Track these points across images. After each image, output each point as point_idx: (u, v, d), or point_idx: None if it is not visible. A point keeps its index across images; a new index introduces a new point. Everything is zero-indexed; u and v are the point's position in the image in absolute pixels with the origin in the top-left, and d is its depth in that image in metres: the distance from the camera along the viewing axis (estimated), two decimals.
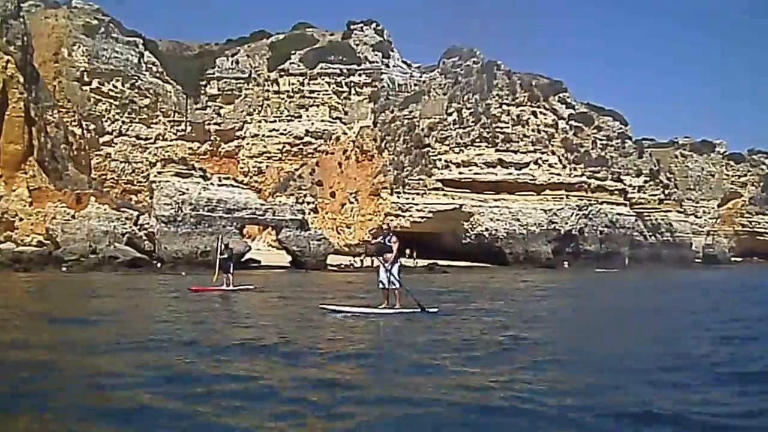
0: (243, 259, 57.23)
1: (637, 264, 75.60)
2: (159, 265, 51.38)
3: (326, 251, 59.15)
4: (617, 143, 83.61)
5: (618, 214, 72.68)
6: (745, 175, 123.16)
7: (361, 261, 60.74)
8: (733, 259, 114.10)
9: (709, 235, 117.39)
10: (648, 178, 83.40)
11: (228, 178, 61.90)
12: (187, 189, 56.91)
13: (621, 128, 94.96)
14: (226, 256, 28.53)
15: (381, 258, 17.26)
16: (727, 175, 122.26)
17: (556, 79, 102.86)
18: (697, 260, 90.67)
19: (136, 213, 58.32)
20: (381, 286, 17.24)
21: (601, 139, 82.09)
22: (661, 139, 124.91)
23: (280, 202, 71.43)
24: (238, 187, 60.91)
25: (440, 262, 66.13)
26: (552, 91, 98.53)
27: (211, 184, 59.17)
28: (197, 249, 54.32)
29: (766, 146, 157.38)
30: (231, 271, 26.90)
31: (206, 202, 56.59)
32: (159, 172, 60.61)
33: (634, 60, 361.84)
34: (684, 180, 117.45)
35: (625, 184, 78.50)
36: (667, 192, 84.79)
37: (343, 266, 59.74)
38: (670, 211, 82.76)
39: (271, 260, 58.15)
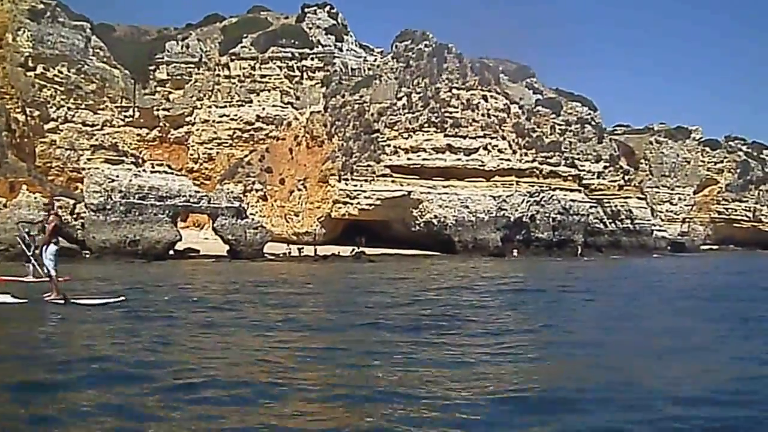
0: (179, 249, 55.99)
1: (596, 252, 74.00)
2: (87, 255, 50.05)
3: (263, 240, 57.39)
4: (576, 128, 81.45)
5: (572, 200, 70.64)
6: (722, 162, 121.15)
7: (299, 249, 59.21)
8: (708, 247, 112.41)
9: (685, 222, 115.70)
10: (608, 164, 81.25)
11: (162, 164, 59.56)
12: (117, 176, 54.93)
13: (589, 113, 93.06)
14: (27, 244, 25.89)
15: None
16: (703, 161, 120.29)
17: (524, 64, 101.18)
18: (666, 248, 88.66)
19: (72, 201, 56.57)
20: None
21: (560, 125, 79.95)
22: (637, 125, 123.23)
23: (227, 189, 69.62)
24: (172, 173, 58.77)
25: (389, 251, 64.60)
26: (520, 76, 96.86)
27: (143, 171, 57.12)
28: (126, 238, 52.54)
29: (742, 132, 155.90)
30: (34, 262, 24.21)
31: (137, 189, 54.68)
32: (89, 159, 58.75)
33: (612, 48, 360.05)
34: (659, 167, 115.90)
35: (581, 170, 76.42)
36: (627, 178, 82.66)
37: (281, 255, 57.94)
38: (630, 197, 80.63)
39: (214, 249, 56.26)
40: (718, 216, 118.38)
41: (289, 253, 57.72)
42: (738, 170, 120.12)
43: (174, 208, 55.75)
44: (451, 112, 67.56)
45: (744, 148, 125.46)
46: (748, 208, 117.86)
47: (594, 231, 78.05)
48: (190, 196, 56.79)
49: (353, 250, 60.89)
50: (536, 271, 40.57)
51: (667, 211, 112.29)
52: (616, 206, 79.56)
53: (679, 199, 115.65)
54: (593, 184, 79.17)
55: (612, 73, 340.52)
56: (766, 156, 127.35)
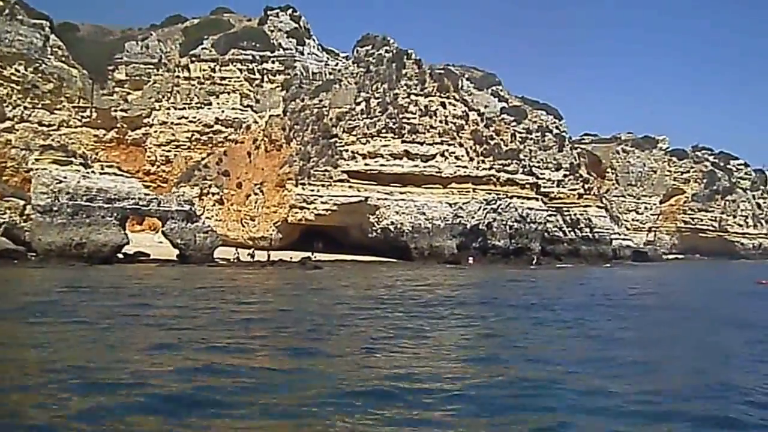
0: (129, 253, 55.05)
1: (555, 260, 73.84)
2: (32, 257, 49.10)
3: (213, 244, 56.51)
4: (537, 137, 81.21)
5: (529, 208, 70.21)
6: (688, 172, 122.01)
7: (251, 255, 58.50)
8: (674, 256, 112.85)
9: (651, 231, 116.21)
10: (568, 173, 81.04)
11: (111, 166, 58.55)
12: (65, 177, 53.73)
13: (554, 122, 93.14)
14: None
15: None
16: (670, 171, 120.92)
17: (490, 72, 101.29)
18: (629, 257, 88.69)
19: (22, 203, 55.47)
20: None
21: (520, 132, 79.70)
22: (604, 134, 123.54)
23: (183, 192, 68.81)
24: (121, 175, 57.68)
25: (345, 257, 64.06)
26: (485, 84, 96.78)
27: (92, 172, 56.05)
28: (72, 241, 51.39)
29: (709, 143, 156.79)
30: None
31: (85, 191, 53.46)
32: (37, 160, 57.56)
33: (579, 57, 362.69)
34: (626, 176, 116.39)
35: (540, 178, 76.20)
36: (587, 187, 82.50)
37: (230, 260, 57.09)
38: (590, 206, 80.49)
39: (166, 254, 55.35)
40: (684, 225, 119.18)
41: (237, 258, 56.78)
42: (704, 180, 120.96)
43: (122, 210, 54.63)
44: (408, 118, 67.02)
45: (711, 158, 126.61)
46: (713, 218, 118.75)
47: (553, 239, 77.95)
48: (140, 198, 55.68)
49: (308, 255, 60.35)
50: (470, 278, 40.13)
51: (633, 220, 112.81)
52: (575, 215, 79.44)
53: (646, 208, 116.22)
54: (553, 192, 79.00)
55: (581, 83, 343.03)
56: (733, 166, 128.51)
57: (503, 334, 17.54)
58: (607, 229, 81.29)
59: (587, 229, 79.10)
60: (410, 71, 69.58)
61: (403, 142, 66.41)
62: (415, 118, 67.26)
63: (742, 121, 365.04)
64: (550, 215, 76.31)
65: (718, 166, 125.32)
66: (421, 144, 66.53)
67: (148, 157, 79.68)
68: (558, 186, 79.92)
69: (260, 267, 49.81)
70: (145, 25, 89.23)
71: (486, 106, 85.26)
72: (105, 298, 23.92)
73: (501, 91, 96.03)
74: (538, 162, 79.01)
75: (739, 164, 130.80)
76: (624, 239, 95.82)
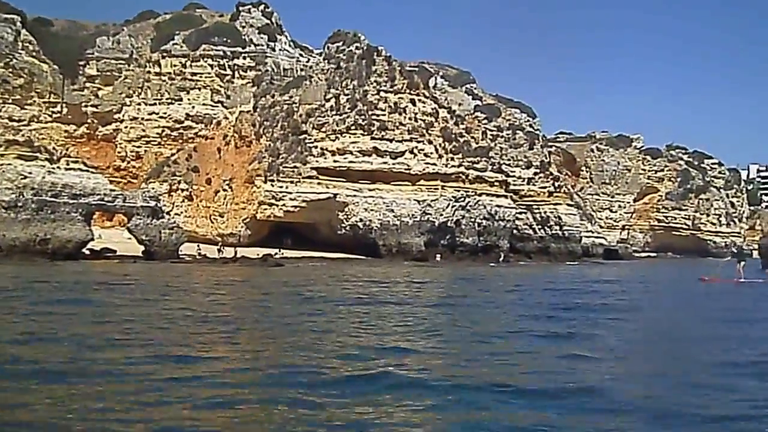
0: (95, 249, 54.83)
1: (525, 258, 74.24)
2: None
3: (178, 240, 56.26)
4: (508, 134, 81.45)
5: (498, 206, 70.42)
6: (662, 170, 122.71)
7: (220, 251, 58.46)
8: (647, 254, 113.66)
9: (625, 229, 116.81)
10: (538, 170, 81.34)
11: (77, 161, 58.22)
12: (30, 173, 53.40)
13: (528, 120, 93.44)
14: None
15: None
16: (644, 170, 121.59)
17: (465, 70, 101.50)
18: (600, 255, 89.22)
19: None
20: None
21: (491, 130, 79.91)
22: (580, 133, 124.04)
23: (152, 188, 68.57)
24: (87, 171, 57.38)
25: (314, 254, 64.03)
26: (460, 82, 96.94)
27: (58, 167, 55.77)
28: (36, 237, 50.97)
29: (684, 141, 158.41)
30: None
31: (50, 186, 53.05)
32: (1, 155, 57.22)
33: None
34: (600, 174, 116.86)
35: (511, 176, 76.47)
36: (557, 185, 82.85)
37: (197, 256, 56.96)
38: (560, 204, 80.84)
39: (134, 250, 55.11)
40: (658, 224, 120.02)
41: (199, 254, 56.66)
42: (678, 179, 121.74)
43: (87, 206, 54.29)
44: (378, 115, 67.00)
45: (685, 157, 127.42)
46: (687, 216, 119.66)
47: (523, 237, 78.38)
48: (105, 194, 55.40)
49: (275, 252, 60.39)
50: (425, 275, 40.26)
51: (607, 218, 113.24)
52: (545, 212, 79.76)
53: (619, 206, 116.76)
54: (523, 190, 79.26)
55: (558, 82, 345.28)
56: (707, 165, 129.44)
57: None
58: (576, 227, 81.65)
59: (557, 227, 79.43)
60: (380, 68, 69.50)
61: (372, 138, 66.34)
62: (384, 114, 67.24)
63: (717, 121, 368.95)
64: (520, 213, 76.67)
65: (692, 164, 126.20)
66: (390, 141, 66.49)
67: (119, 152, 79.36)
68: (528, 184, 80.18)
69: (222, 264, 49.70)
70: (119, 21, 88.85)
71: (460, 104, 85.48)
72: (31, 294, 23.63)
73: (475, 89, 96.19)
74: (509, 160, 79.20)
75: (713, 163, 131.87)
76: (597, 237, 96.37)
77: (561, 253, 77.42)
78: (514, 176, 78.32)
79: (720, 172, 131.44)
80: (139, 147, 78.81)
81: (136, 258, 51.92)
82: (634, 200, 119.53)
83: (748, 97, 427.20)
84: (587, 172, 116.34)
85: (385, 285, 30.71)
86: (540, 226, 79.56)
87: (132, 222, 55.38)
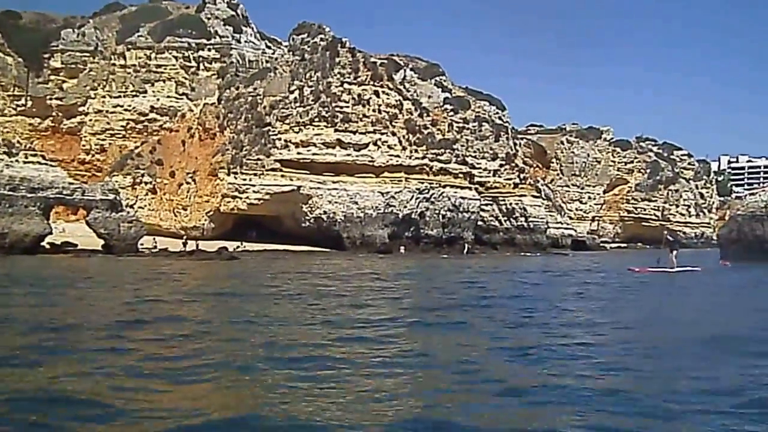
0: (56, 243, 54.44)
1: (490, 249, 74.40)
2: None
3: (137, 234, 55.87)
4: (474, 126, 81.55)
5: (462, 197, 70.55)
6: (632, 162, 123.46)
7: (184, 244, 58.25)
8: (617, 245, 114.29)
9: (594, 220, 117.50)
10: (504, 162, 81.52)
11: (36, 155, 57.79)
12: None
13: (497, 112, 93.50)
14: None
15: None
16: (614, 161, 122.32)
17: (434, 62, 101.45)
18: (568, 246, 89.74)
19: None
20: None
21: (457, 122, 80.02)
22: (550, 125, 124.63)
23: (116, 182, 68.11)
24: (46, 164, 57.03)
25: (278, 247, 63.88)
26: (429, 74, 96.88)
27: (16, 161, 55.36)
28: None
29: (653, 133, 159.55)
30: None
31: (8, 180, 52.60)
32: None
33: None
34: (570, 166, 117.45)
35: (475, 168, 76.74)
36: (522, 176, 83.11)
37: (155, 250, 56.73)
38: (525, 195, 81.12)
39: (95, 244, 54.75)
40: (627, 215, 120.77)
41: (155, 247, 56.43)
42: (648, 170, 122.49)
43: (46, 200, 53.91)
44: (341, 107, 66.85)
45: (654, 148, 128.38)
46: (657, 207, 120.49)
47: (489, 228, 78.63)
48: (63, 188, 55.00)
49: (237, 246, 60.31)
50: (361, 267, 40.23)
51: (576, 209, 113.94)
52: (511, 204, 79.93)
53: (589, 197, 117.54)
54: (489, 181, 79.42)
55: (530, 75, 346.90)
56: (677, 157, 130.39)
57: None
58: (542, 218, 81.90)
59: (522, 219, 79.62)
60: (344, 60, 69.36)
61: (335, 131, 66.22)
62: (348, 106, 67.11)
63: (688, 113, 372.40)
64: (485, 204, 76.91)
65: (661, 156, 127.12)
66: (354, 133, 66.42)
67: (83, 146, 78.97)
68: (494, 175, 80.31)
69: (177, 257, 49.42)
70: (87, 13, 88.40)
71: (429, 96, 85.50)
72: None
73: (445, 81, 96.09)
74: (475, 152, 79.29)
75: (682, 155, 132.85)
76: (566, 228, 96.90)
77: (527, 245, 77.58)
78: (480, 168, 78.51)
79: (689, 164, 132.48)
80: (103, 140, 78.41)
81: (92, 252, 51.43)
82: (604, 192, 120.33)
83: (720, 89, 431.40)
84: (558, 164, 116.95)
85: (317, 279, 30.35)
86: (506, 218, 79.77)
87: (91, 215, 54.94)
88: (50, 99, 78.53)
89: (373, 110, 68.01)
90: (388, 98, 69.59)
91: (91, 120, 78.87)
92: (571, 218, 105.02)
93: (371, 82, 69.34)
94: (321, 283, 27.03)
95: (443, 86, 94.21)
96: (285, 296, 21.49)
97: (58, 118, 79.00)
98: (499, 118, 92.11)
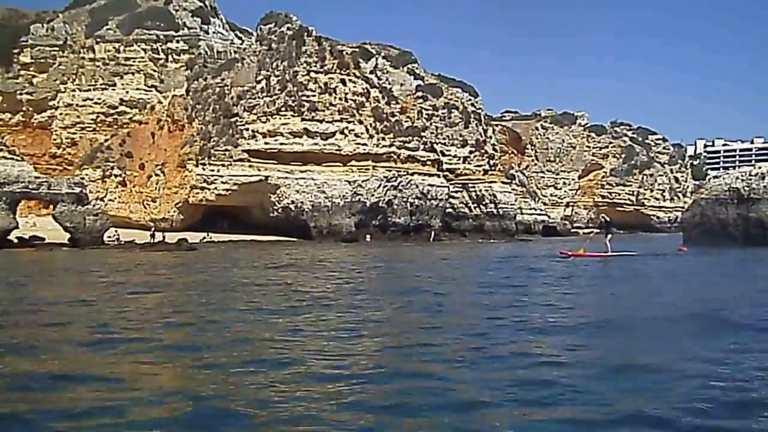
0: (23, 237, 54.70)
1: (460, 236, 74.92)
2: None
3: (103, 227, 56.15)
4: (443, 113, 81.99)
5: (430, 185, 71.12)
6: (607, 147, 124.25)
7: (152, 236, 58.42)
8: (588, 231, 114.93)
9: (569, 206, 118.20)
10: (473, 149, 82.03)
11: (2, 150, 58.01)
12: None
13: (470, 99, 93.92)
14: None
15: None
16: (589, 147, 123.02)
17: (406, 50, 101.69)
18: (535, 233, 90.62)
19: None
20: None
21: (426, 109, 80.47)
22: (525, 111, 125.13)
23: (86, 175, 68.40)
24: (12, 159, 57.18)
25: (246, 237, 64.30)
26: (401, 62, 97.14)
27: None
28: None
29: (628, 118, 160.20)
30: None
31: None
32: None
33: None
34: (545, 152, 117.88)
35: (445, 155, 77.30)
36: (492, 163, 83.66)
37: (120, 243, 56.93)
38: (495, 182, 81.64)
39: (63, 237, 55.02)
40: (602, 200, 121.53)
41: (118, 240, 56.65)
42: (623, 155, 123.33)
43: (11, 194, 54.10)
44: (308, 96, 67.22)
45: (629, 133, 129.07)
46: (631, 192, 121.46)
47: (459, 215, 79.22)
48: (29, 182, 55.21)
49: (203, 237, 60.82)
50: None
51: (551, 195, 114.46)
52: (480, 191, 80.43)
53: (564, 183, 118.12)
54: (458, 168, 79.90)
55: (504, 62, 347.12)
56: (651, 141, 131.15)
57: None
58: (512, 204, 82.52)
59: (492, 205, 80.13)
60: (310, 48, 69.69)
61: (302, 120, 66.56)
62: (314, 95, 67.47)
63: (663, 97, 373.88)
64: (455, 192, 77.47)
65: (636, 141, 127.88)
66: (321, 122, 66.77)
67: (54, 140, 79.02)
68: (464, 162, 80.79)
69: (139, 249, 49.82)
70: (59, 8, 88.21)
71: (402, 84, 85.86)
72: None
73: (417, 69, 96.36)
74: (444, 139, 79.76)
75: (657, 139, 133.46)
76: (539, 214, 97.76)
77: (496, 231, 78.12)
78: (449, 155, 78.99)
79: (664, 148, 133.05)
80: (74, 134, 78.45)
81: (55, 245, 51.75)
82: (579, 177, 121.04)
83: (696, 73, 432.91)
84: (532, 150, 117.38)
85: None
86: (475, 205, 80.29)
87: (57, 209, 55.15)
88: (20, 94, 78.56)
89: (340, 99, 68.40)
90: (354, 86, 69.98)
91: (61, 114, 78.91)
92: (545, 204, 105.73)
93: (338, 71, 69.68)
94: (245, 274, 27.04)
95: (415, 74, 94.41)
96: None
97: (28, 113, 79.03)
98: (472, 104, 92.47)
